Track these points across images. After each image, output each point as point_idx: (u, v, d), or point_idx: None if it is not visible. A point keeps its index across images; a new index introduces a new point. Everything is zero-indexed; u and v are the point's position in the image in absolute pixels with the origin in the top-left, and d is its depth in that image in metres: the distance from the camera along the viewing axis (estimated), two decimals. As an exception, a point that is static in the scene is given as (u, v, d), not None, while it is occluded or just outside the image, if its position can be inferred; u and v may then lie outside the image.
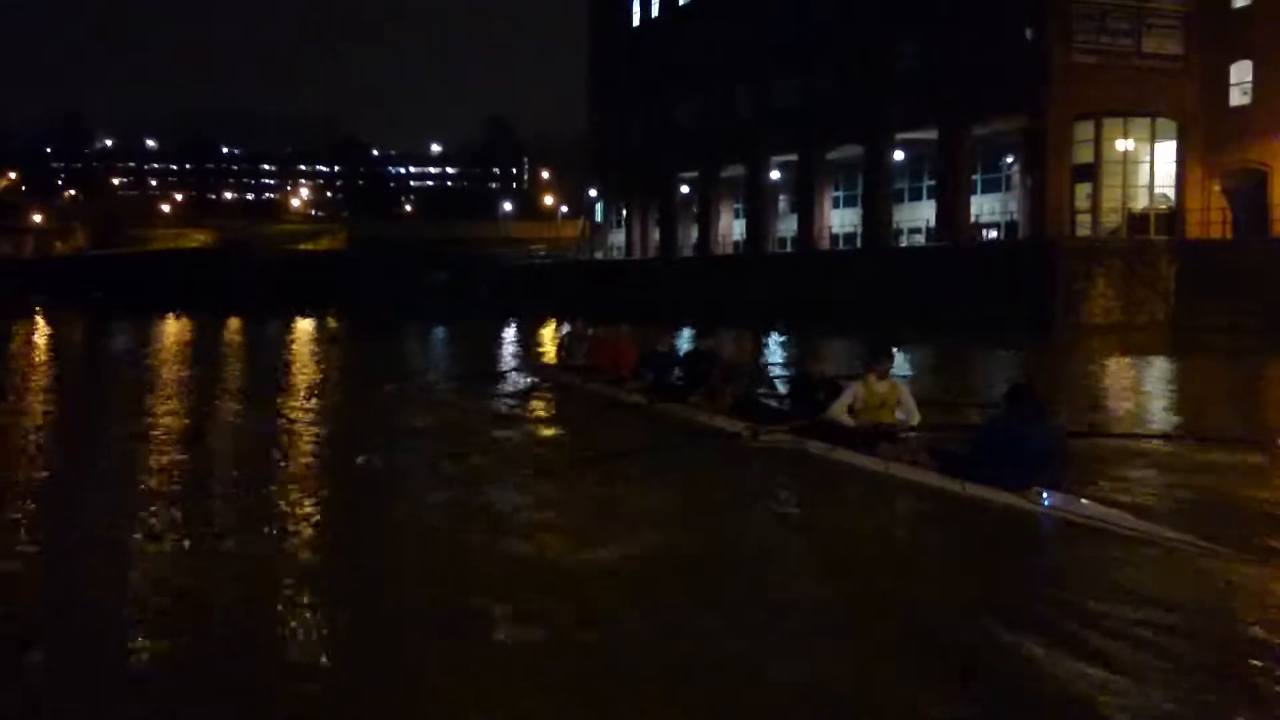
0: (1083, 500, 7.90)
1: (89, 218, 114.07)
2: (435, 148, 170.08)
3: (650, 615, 5.80)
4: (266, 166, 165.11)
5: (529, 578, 6.46)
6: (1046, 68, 35.06)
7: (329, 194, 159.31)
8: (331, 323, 41.43)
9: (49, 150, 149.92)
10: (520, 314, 43.84)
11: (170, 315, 44.55)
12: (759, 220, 51.03)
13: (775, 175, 50.60)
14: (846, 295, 39.17)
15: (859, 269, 41.28)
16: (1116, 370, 22.65)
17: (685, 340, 20.44)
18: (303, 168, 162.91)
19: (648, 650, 5.32)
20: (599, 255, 69.92)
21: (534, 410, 14.64)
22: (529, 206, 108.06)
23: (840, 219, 48.46)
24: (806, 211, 47.24)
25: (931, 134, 40.62)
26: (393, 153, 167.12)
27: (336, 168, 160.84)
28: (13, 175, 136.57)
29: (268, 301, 54.76)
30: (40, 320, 41.23)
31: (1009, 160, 41.30)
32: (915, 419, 9.98)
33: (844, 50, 44.60)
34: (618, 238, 69.29)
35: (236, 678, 4.98)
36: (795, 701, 4.74)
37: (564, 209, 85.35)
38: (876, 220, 42.58)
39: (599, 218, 72.60)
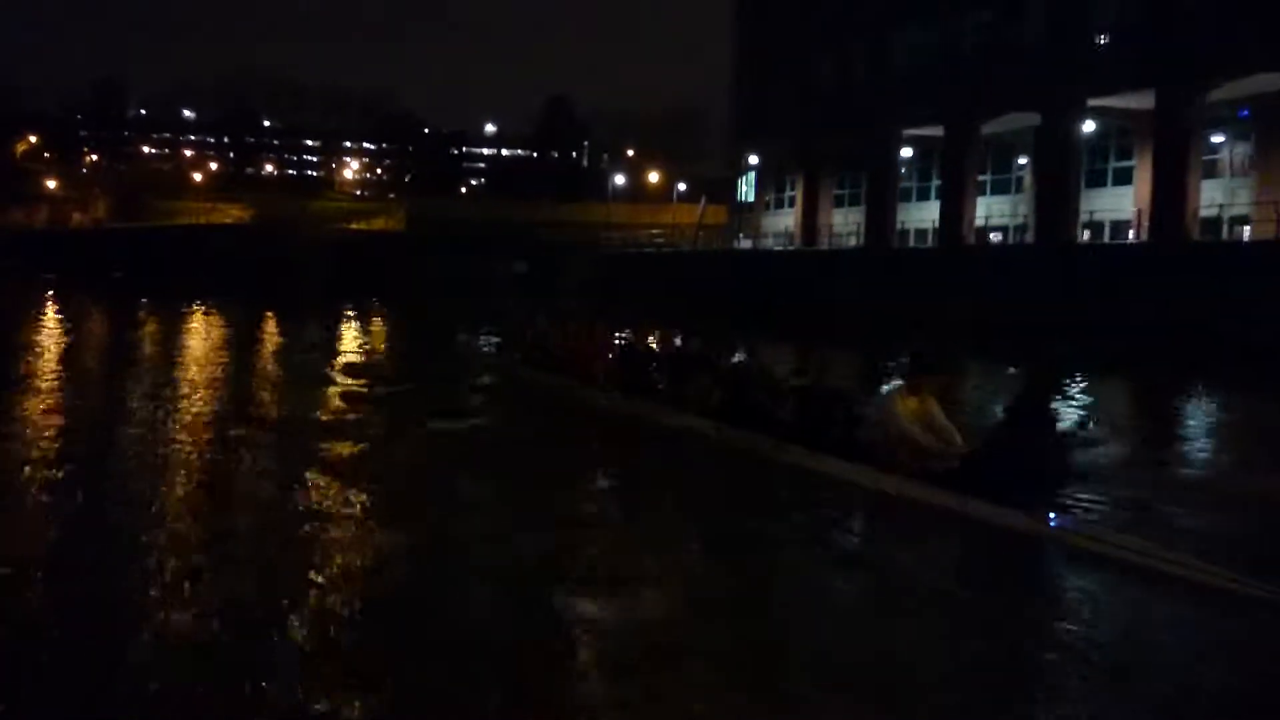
0: (1094, 524, 7.55)
1: (110, 186, 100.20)
2: (490, 127, 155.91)
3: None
4: (309, 142, 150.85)
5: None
6: None
7: (378, 171, 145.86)
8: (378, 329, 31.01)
9: (79, 117, 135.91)
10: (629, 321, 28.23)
11: (198, 307, 34.83)
12: (1058, 194, 34.72)
13: (1088, 127, 34.38)
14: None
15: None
16: None
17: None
18: (348, 144, 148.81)
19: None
20: (746, 244, 54.18)
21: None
22: (636, 187, 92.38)
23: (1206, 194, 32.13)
24: (1171, 181, 30.75)
25: None
26: (444, 130, 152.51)
27: (385, 144, 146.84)
28: (33, 139, 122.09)
29: (312, 291, 48.04)
30: (51, 312, 32.68)
31: None
32: (958, 439, 8.62)
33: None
34: (776, 221, 53.47)
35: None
36: None
37: (681, 186, 69.81)
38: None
39: (744, 196, 56.81)
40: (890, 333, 28.10)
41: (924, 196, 43.66)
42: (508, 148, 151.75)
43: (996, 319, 29.29)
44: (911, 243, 43.05)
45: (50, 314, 31.37)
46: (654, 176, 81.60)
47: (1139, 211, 32.66)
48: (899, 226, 43.44)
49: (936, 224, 39.91)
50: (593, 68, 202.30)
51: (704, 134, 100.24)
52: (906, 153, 42.54)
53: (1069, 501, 7.96)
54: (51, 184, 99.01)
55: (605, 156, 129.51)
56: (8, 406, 12.25)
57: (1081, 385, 18.39)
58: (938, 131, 39.57)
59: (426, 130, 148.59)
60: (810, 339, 24.05)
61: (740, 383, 11.05)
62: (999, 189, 40.37)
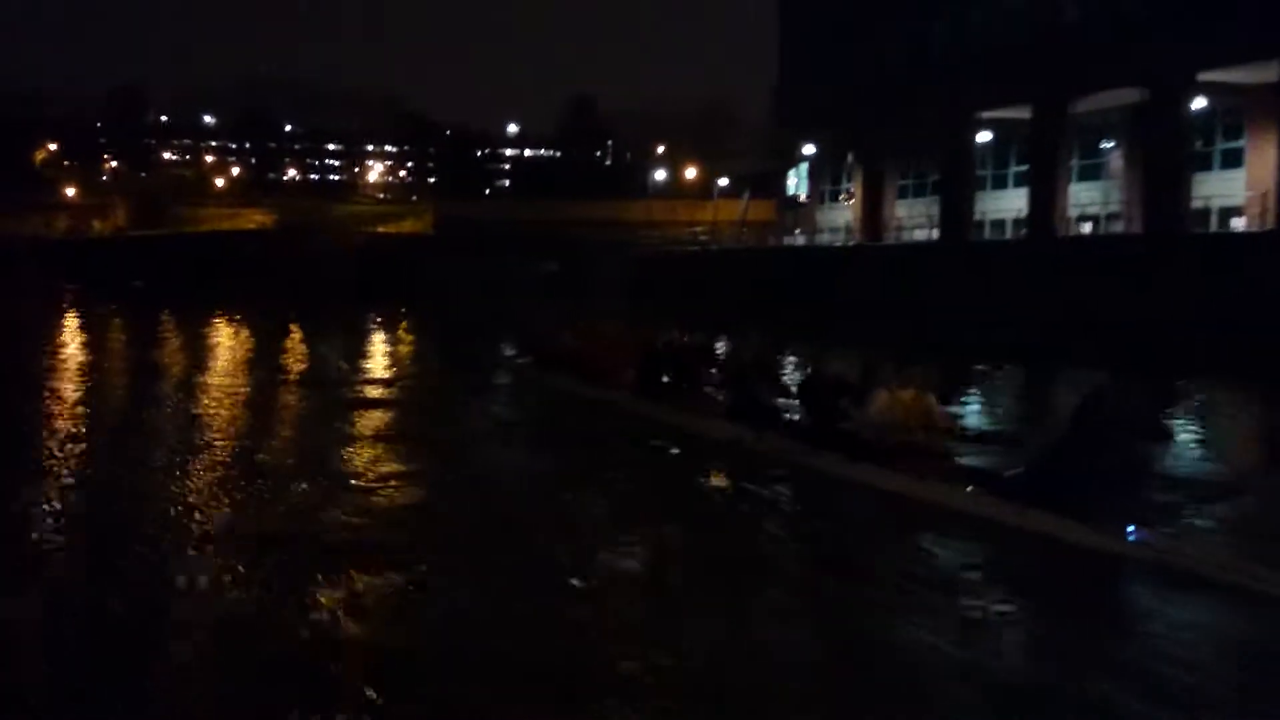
0: (1177, 540, 6.71)
1: (131, 193, 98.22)
2: (512, 128, 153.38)
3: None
4: (331, 146, 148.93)
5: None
6: None
7: (401, 174, 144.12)
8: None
9: (98, 124, 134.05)
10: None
11: (224, 321, 33.12)
12: (1164, 179, 31.52)
13: (1200, 103, 31.23)
14: None
15: None
16: None
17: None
18: (370, 147, 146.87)
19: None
20: (800, 240, 51.22)
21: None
22: (671, 183, 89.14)
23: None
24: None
25: None
26: (467, 131, 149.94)
27: (407, 147, 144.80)
28: (52, 146, 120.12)
29: (340, 297, 46.31)
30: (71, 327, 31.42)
31: None
32: (952, 428, 8.92)
33: None
34: (833, 215, 50.48)
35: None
36: None
37: (723, 181, 66.74)
38: None
39: (796, 190, 53.84)
40: (971, 334, 25.58)
41: (1000, 185, 40.56)
42: (531, 148, 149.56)
43: (1095, 317, 26.47)
44: (987, 234, 39.94)
45: (67, 336, 28.53)
46: (691, 173, 78.50)
47: (1263, 195, 29.44)
48: (977, 218, 40.31)
49: (1023, 214, 36.76)
50: (602, 67, 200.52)
51: (727, 128, 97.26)
52: (984, 137, 39.31)
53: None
54: (71, 191, 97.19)
55: (629, 155, 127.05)
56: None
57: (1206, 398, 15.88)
58: (1020, 113, 36.42)
59: (449, 132, 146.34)
60: (876, 345, 21.45)
61: (745, 378, 10.90)
62: (1086, 175, 37.17)
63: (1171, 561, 6.32)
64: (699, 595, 6.46)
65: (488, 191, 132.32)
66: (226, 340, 26.23)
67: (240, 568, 6.66)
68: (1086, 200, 36.53)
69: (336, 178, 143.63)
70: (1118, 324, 25.34)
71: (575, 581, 6.47)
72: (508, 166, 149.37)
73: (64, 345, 23.94)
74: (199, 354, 21.78)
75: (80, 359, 21.11)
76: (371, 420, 12.36)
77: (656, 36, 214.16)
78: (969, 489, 7.94)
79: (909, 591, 6.36)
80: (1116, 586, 6.44)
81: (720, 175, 68.31)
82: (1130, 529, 6.71)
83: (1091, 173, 37.17)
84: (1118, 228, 35.93)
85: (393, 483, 9.01)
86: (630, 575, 6.72)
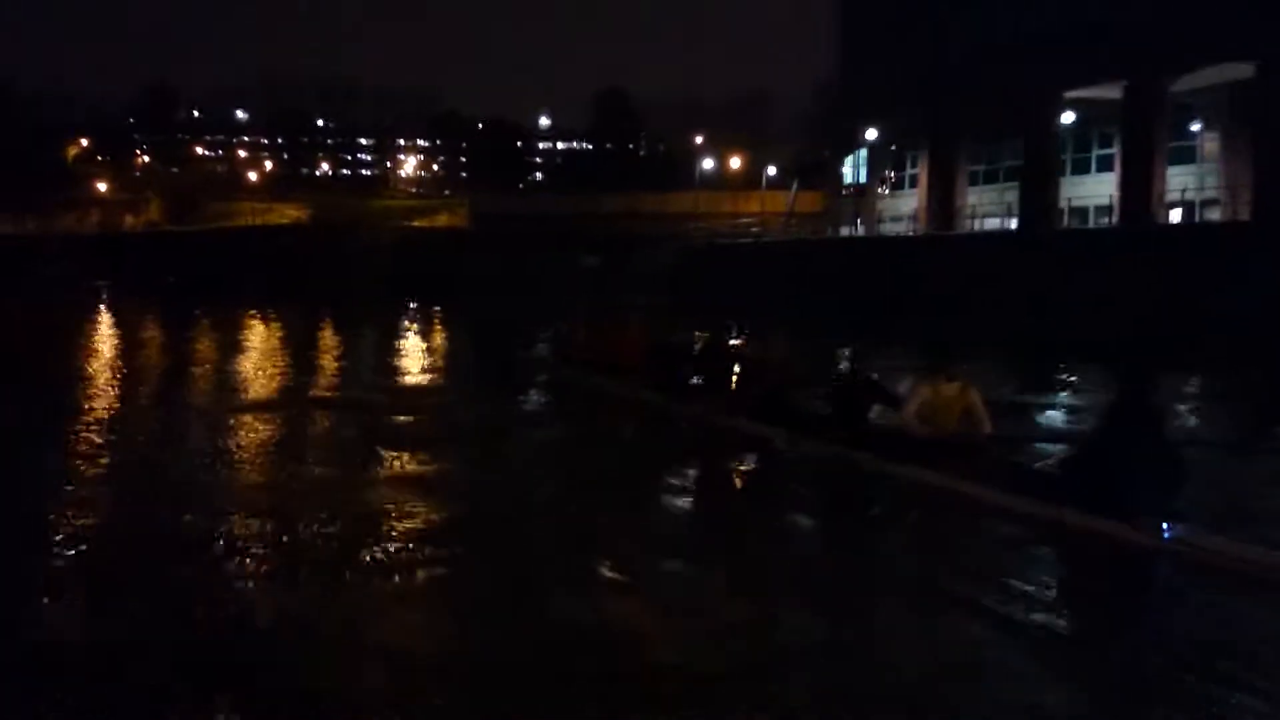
0: (1214, 535, 6.59)
1: (164, 188, 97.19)
2: (544, 120, 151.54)
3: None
4: (364, 140, 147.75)
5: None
6: None
7: (434, 168, 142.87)
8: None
9: (130, 120, 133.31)
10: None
11: (256, 316, 32.70)
12: (1277, 158, 28.85)
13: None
14: None
15: None
16: None
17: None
18: (402, 141, 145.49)
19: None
20: (860, 230, 48.82)
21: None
22: (715, 175, 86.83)
23: None
24: None
25: None
26: (501, 124, 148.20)
27: (439, 140, 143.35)
28: (84, 142, 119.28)
29: (377, 295, 46.03)
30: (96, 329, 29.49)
31: None
32: (987, 427, 8.70)
33: None
34: (896, 204, 48.00)
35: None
36: None
37: (770, 171, 64.54)
38: None
39: (855, 178, 51.44)
40: (1057, 329, 23.36)
41: (1081, 170, 37.96)
42: (564, 141, 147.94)
43: (1199, 311, 24.06)
44: (1066, 222, 37.33)
45: (91, 341, 26.47)
46: (735, 163, 76.26)
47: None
48: (1062, 205, 37.62)
49: (1109, 200, 34.14)
50: (631, 58, 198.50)
51: (768, 117, 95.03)
52: (1068, 118, 36.61)
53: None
54: (103, 187, 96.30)
55: (662, 146, 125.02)
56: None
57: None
58: (1107, 93, 33.76)
59: (481, 125, 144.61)
60: (944, 342, 19.32)
61: (777, 380, 10.92)
62: (1177, 158, 34.46)
63: (1205, 559, 6.35)
64: None
65: (522, 185, 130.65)
66: (257, 344, 24.44)
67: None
68: (1178, 185, 33.90)
69: (369, 172, 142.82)
70: (1222, 318, 23.09)
71: None
72: (541, 160, 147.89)
73: (84, 354, 22.09)
74: (226, 363, 19.85)
75: (98, 368, 19.22)
76: (404, 452, 10.51)
77: (686, 24, 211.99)
78: (991, 484, 7.88)
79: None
80: (1151, 581, 6.49)
81: (768, 165, 66.02)
82: (1165, 525, 6.57)
83: (1183, 156, 34.53)
84: (1212, 214, 33.47)
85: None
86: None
